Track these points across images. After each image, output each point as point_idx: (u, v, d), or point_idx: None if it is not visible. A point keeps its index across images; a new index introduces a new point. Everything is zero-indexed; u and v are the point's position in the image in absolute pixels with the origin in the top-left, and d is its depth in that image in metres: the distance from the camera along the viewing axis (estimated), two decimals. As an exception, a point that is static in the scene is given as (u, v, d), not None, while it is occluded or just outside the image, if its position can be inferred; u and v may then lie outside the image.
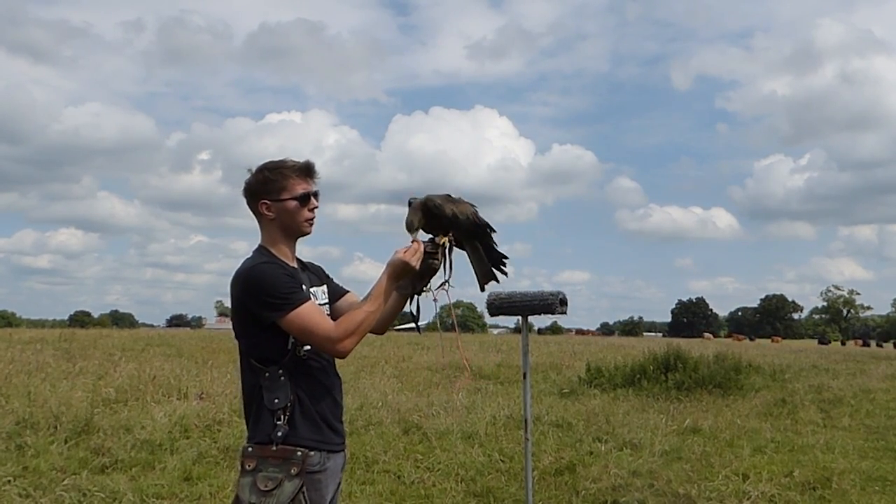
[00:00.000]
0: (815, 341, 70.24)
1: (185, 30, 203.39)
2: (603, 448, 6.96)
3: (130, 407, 7.95)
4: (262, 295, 2.29)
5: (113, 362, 12.38)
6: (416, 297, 2.59)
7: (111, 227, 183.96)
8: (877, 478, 6.25)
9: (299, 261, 2.54)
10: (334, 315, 2.52)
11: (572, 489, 5.58)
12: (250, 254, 2.46)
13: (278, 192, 2.40)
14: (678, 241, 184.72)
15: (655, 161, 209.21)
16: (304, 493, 2.30)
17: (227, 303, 2.42)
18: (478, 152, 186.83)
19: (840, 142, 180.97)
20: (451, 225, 2.59)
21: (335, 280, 2.67)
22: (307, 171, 2.45)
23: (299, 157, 2.48)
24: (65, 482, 5.08)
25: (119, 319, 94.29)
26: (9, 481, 5.07)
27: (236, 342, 2.42)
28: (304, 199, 2.42)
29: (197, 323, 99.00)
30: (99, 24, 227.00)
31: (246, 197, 2.46)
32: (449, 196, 2.64)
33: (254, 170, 2.47)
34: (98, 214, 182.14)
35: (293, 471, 2.28)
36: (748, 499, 5.40)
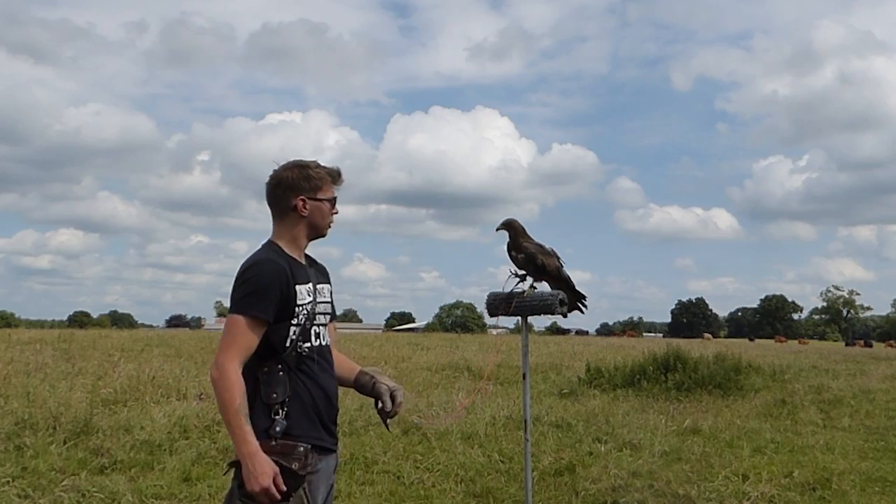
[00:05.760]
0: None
1: (188, 31, 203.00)
2: (603, 448, 6.96)
3: (130, 407, 7.95)
4: (239, 287, 2.34)
5: (112, 363, 12.36)
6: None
7: (111, 227, 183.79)
8: (877, 478, 6.25)
9: (308, 257, 2.57)
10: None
11: (572, 490, 5.58)
12: (259, 247, 2.49)
13: (315, 190, 2.48)
14: (678, 241, 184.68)
15: (656, 161, 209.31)
16: (305, 489, 2.30)
17: (227, 303, 2.43)
18: (478, 153, 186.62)
19: (839, 142, 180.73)
20: (538, 271, 3.31)
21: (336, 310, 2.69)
22: (338, 177, 2.55)
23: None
24: (64, 483, 5.07)
25: (118, 320, 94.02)
26: (8, 482, 5.06)
27: None
28: (334, 204, 2.53)
29: (196, 323, 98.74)
30: (102, 24, 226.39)
31: (278, 189, 2.48)
32: (542, 247, 3.38)
33: (285, 164, 2.51)
34: (98, 215, 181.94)
35: (294, 466, 2.28)
36: (748, 499, 5.40)
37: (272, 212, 2.50)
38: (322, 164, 2.53)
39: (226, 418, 2.24)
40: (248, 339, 2.30)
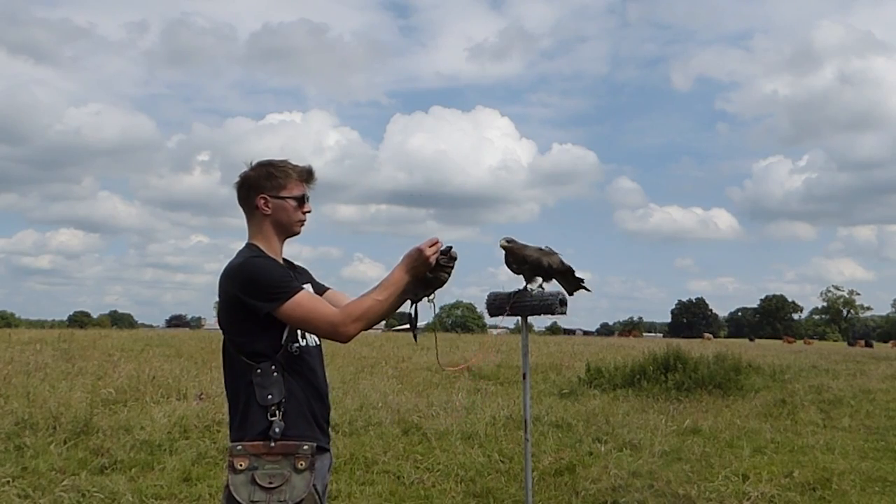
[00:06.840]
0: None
1: (188, 31, 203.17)
2: (603, 448, 6.96)
3: (130, 407, 7.96)
4: (259, 286, 2.29)
5: (112, 363, 12.37)
6: (415, 303, 2.50)
7: (111, 227, 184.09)
8: (877, 478, 6.25)
9: (286, 260, 2.55)
10: None
11: (572, 490, 5.58)
12: (238, 251, 2.47)
13: (278, 189, 2.44)
14: (678, 241, 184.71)
15: (656, 161, 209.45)
16: (316, 487, 2.28)
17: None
18: (478, 153, 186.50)
19: (839, 142, 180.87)
20: (546, 273, 3.30)
21: (324, 283, 2.69)
22: (308, 175, 2.50)
23: (299, 159, 2.53)
24: (64, 483, 5.07)
25: (118, 320, 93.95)
26: (8, 482, 5.07)
27: (224, 339, 2.40)
28: (302, 201, 2.48)
29: (196, 323, 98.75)
30: (102, 24, 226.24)
31: (242, 189, 2.46)
32: (541, 249, 3.36)
33: (253, 163, 2.49)
34: (98, 215, 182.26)
35: (300, 465, 2.25)
36: (748, 499, 5.40)
37: (243, 211, 2.49)
38: (293, 162, 2.48)
39: (390, 305, 2.30)
40: (319, 300, 2.37)
